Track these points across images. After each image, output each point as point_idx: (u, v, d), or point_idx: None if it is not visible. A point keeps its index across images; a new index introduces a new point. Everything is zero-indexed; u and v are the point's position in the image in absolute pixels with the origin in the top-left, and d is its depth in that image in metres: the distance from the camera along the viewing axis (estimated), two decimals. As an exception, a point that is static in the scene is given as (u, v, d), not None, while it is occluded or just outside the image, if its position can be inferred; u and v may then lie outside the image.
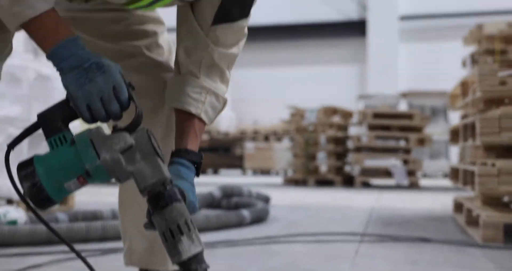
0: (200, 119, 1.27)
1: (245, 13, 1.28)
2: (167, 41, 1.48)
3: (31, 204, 1.06)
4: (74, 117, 1.07)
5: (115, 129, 1.06)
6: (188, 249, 1.02)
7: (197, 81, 1.28)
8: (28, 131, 1.08)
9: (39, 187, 1.02)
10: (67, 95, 1.06)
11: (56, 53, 1.04)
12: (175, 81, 1.31)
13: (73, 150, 1.03)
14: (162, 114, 1.39)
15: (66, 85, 1.05)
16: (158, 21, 1.47)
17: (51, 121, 1.05)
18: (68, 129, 1.06)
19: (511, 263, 2.22)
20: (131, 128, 1.06)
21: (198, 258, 1.03)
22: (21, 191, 1.05)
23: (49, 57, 1.05)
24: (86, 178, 1.02)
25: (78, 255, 1.11)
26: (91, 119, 1.05)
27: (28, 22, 1.04)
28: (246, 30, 1.33)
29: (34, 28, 1.05)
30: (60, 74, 1.05)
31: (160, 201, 1.03)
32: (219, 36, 1.27)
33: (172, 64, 1.40)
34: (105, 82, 1.03)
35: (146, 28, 1.44)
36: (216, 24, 1.26)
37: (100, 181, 1.03)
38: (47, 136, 1.05)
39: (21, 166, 1.05)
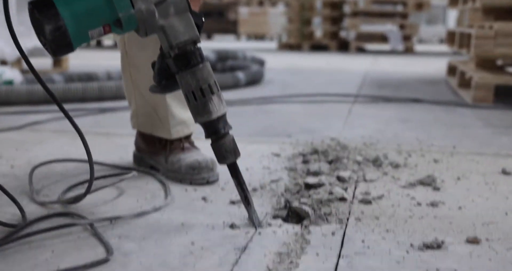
0: None
1: None
2: None
3: (30, 61, 0.96)
4: None
5: None
6: (218, 108, 1.00)
7: None
8: None
9: (64, 32, 0.90)
10: None
11: None
12: None
13: None
14: None
15: None
16: None
17: None
18: None
19: (498, 121, 2.29)
20: None
21: (224, 119, 1.02)
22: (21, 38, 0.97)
23: None
24: (113, 27, 0.94)
25: (65, 112, 1.03)
26: None
27: None
28: None
29: None
30: None
31: (191, 59, 0.99)
32: None
33: None
34: None
35: None
36: None
37: (125, 31, 0.96)
38: None
39: (39, 5, 0.91)
